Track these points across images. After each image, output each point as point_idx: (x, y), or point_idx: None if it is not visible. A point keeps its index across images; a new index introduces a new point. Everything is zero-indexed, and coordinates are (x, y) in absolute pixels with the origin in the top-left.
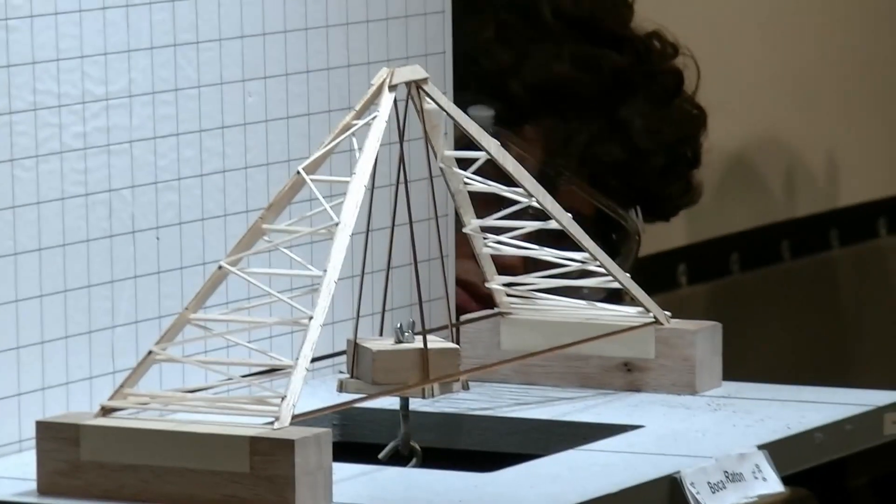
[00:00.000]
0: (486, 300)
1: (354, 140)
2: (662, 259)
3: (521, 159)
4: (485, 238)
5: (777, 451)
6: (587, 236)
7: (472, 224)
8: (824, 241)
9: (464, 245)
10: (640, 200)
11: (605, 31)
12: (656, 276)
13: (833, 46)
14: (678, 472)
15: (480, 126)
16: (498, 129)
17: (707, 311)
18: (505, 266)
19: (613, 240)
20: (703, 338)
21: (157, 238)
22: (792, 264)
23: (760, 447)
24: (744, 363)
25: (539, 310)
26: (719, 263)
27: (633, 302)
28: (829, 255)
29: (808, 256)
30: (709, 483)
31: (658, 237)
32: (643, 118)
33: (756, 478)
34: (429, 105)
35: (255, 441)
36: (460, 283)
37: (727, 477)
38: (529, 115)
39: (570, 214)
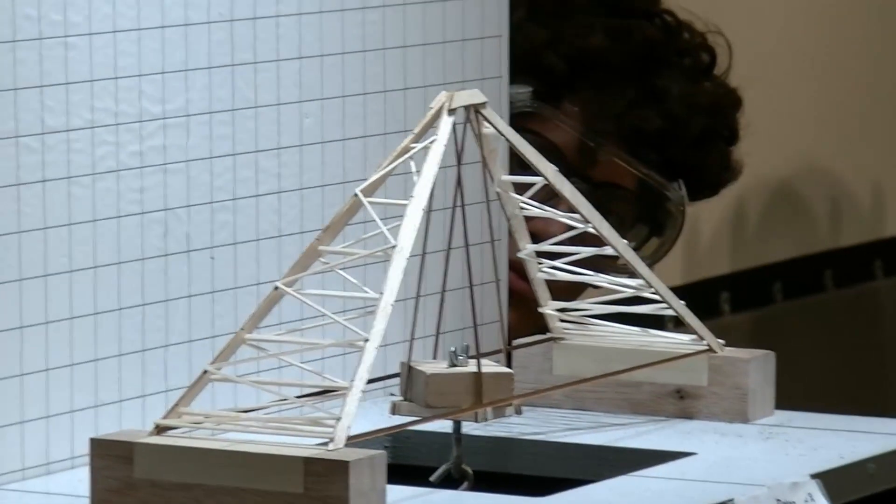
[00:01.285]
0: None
1: (412, 163)
2: (705, 287)
3: (558, 130)
4: (539, 263)
5: (830, 480)
6: (642, 262)
7: (528, 249)
8: (868, 271)
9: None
10: (681, 174)
11: (635, 7)
12: (699, 304)
13: (881, 75)
14: (731, 500)
15: (518, 103)
16: (537, 104)
17: (749, 340)
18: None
19: (658, 216)
20: (756, 366)
21: (212, 258)
22: (835, 294)
23: (813, 476)
24: (785, 392)
25: (592, 335)
26: (762, 292)
27: (685, 327)
28: (873, 285)
29: (851, 286)
30: None
31: (701, 265)
32: (679, 85)
33: None
34: (487, 129)
35: (309, 462)
36: (509, 263)
37: None
38: (567, 89)
39: (625, 242)
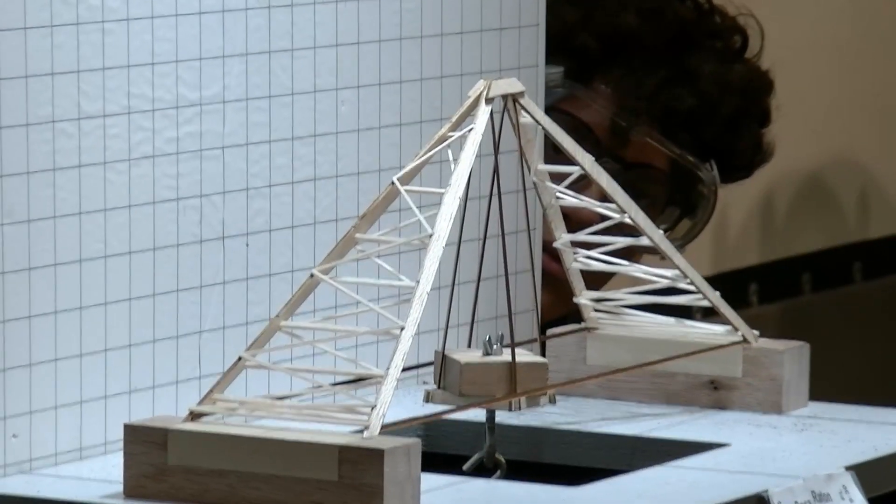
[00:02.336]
0: None
1: (450, 152)
2: (734, 278)
3: (589, 109)
4: (575, 253)
5: (864, 472)
6: (678, 254)
7: (563, 238)
8: None
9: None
10: (713, 155)
11: None
12: (727, 295)
13: None
14: (765, 491)
15: (550, 83)
16: (569, 84)
17: (777, 331)
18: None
19: (691, 198)
20: (791, 357)
21: (247, 244)
22: (863, 286)
23: (847, 468)
24: (813, 384)
25: (626, 325)
26: (791, 283)
27: (720, 318)
28: None
29: (880, 278)
30: (796, 502)
31: (730, 256)
32: (710, 65)
33: (843, 499)
34: (524, 119)
35: (344, 449)
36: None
37: (814, 497)
38: (599, 69)
39: (661, 232)
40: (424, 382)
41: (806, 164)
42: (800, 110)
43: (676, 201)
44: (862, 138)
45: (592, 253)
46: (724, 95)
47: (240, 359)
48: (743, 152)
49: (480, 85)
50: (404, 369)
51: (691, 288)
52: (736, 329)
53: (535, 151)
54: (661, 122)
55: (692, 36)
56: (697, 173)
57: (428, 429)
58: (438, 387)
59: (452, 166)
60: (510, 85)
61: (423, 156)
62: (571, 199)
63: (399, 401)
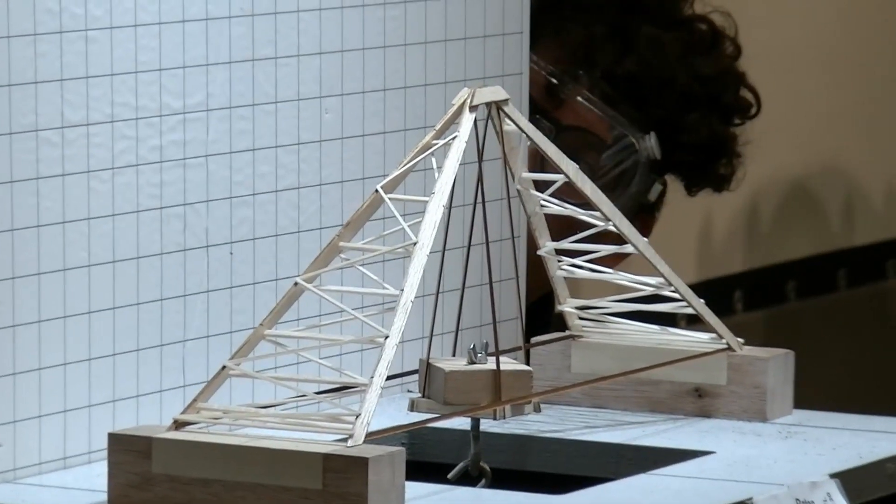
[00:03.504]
0: None
1: (433, 160)
2: (719, 285)
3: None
4: (559, 261)
5: (848, 480)
6: (662, 261)
7: (548, 247)
8: (881, 270)
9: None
10: (656, 126)
11: None
12: (712, 302)
13: (894, 77)
14: (750, 499)
15: None
16: None
17: (762, 338)
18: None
19: (627, 168)
20: (776, 365)
21: (231, 253)
22: (848, 293)
23: (832, 476)
24: (798, 391)
25: (610, 333)
26: (776, 291)
27: (705, 325)
28: (886, 284)
29: (864, 286)
30: None
31: (715, 263)
32: (651, 29)
33: None
34: (508, 126)
35: (328, 458)
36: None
37: None
38: (542, 29)
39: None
40: (409, 391)
41: (791, 171)
42: (785, 118)
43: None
44: (847, 146)
45: (577, 261)
46: (663, 63)
47: (224, 367)
48: (691, 130)
49: (464, 93)
50: (389, 378)
51: (676, 295)
52: (720, 337)
53: (519, 159)
54: (600, 86)
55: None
56: (632, 140)
57: (412, 437)
58: (423, 395)
59: (436, 174)
60: (494, 93)
61: (407, 164)
62: (556, 207)
63: (383, 409)
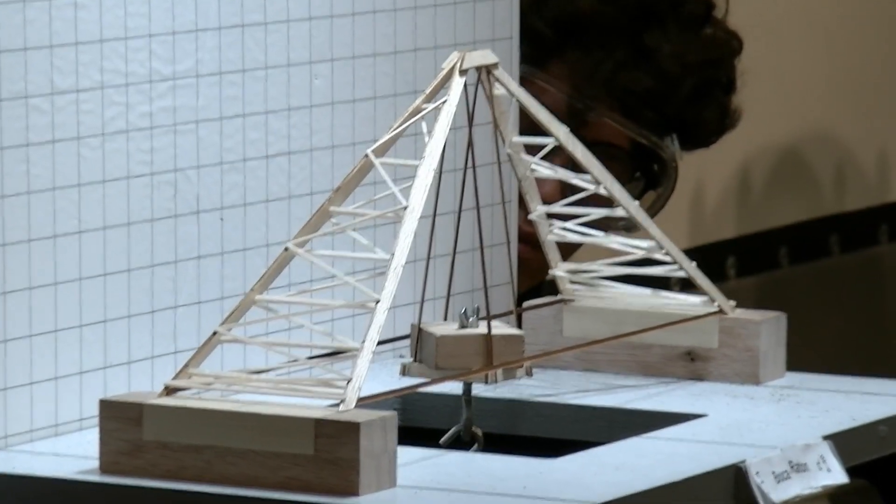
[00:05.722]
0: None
1: (424, 124)
2: (711, 251)
3: (546, 94)
4: (550, 225)
5: (841, 442)
6: (654, 224)
7: (539, 210)
8: (873, 235)
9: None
10: (675, 128)
11: None
12: (705, 268)
13: (888, 41)
14: (743, 462)
15: None
16: (525, 67)
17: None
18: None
19: (655, 171)
20: (768, 328)
21: (221, 219)
22: (840, 258)
23: (825, 438)
24: (791, 356)
25: (602, 297)
26: (768, 257)
27: (697, 289)
28: (878, 249)
29: (856, 251)
30: (773, 473)
31: (707, 229)
32: (670, 44)
33: (821, 469)
34: (498, 91)
35: (320, 423)
36: (519, 232)
37: (792, 467)
38: (554, 52)
39: (636, 202)
40: (401, 356)
41: (782, 137)
42: (776, 84)
43: (640, 175)
44: (838, 112)
45: (568, 224)
46: (685, 75)
47: (215, 333)
48: (709, 122)
49: (454, 57)
50: (380, 343)
51: (667, 259)
52: (712, 300)
53: (510, 123)
54: (620, 102)
55: (653, 10)
56: (658, 152)
57: (404, 402)
58: (415, 360)
59: (427, 139)
60: (484, 56)
61: (397, 128)
62: (546, 171)
63: (375, 374)
